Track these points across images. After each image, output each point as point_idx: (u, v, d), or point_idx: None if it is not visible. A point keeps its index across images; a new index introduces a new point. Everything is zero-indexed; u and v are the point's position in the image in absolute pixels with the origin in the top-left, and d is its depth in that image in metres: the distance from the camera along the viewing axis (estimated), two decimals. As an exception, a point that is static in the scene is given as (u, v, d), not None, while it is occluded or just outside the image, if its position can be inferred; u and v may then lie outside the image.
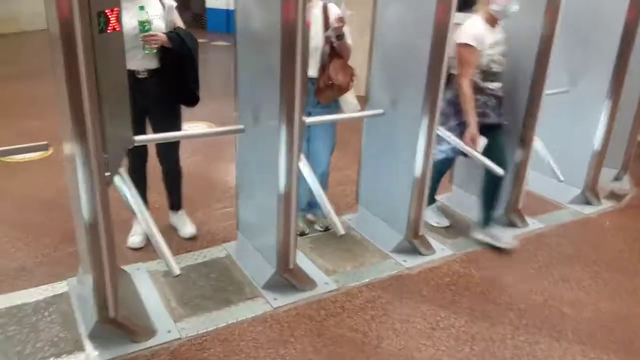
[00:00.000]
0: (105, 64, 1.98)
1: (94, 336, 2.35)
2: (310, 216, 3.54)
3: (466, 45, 2.99)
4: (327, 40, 2.98)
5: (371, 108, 3.17)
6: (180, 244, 3.21)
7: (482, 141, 3.09)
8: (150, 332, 2.42)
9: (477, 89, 3.08)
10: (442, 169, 3.46)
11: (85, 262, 2.34)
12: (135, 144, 2.43)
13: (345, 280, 2.95)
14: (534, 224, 3.70)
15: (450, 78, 3.06)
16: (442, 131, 3.02)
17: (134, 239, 3.13)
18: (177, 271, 2.19)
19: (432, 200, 3.59)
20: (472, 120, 3.04)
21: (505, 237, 3.35)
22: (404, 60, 2.92)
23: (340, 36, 2.96)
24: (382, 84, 3.13)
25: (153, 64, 2.84)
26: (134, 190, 2.26)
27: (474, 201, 3.51)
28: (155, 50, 2.79)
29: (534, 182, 3.94)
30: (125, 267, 2.83)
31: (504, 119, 3.26)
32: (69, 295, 2.66)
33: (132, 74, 2.73)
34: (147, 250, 3.10)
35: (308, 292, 2.81)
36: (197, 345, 2.39)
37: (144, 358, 2.29)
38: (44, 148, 2.24)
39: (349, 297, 2.80)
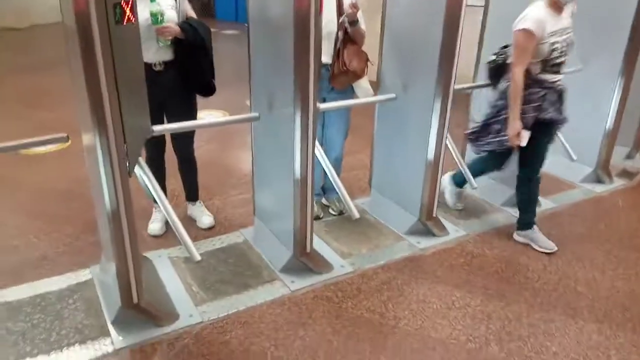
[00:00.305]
0: (122, 55, 2.01)
1: (118, 322, 2.42)
2: (324, 200, 3.58)
3: (524, 30, 2.77)
4: (341, 26, 2.98)
5: (383, 93, 3.18)
6: (198, 231, 3.27)
7: (525, 134, 2.91)
8: (173, 316, 2.49)
9: (536, 81, 2.88)
10: (493, 163, 3.29)
11: (107, 249, 2.40)
12: (154, 134, 2.47)
13: (361, 262, 2.99)
14: (546, 204, 3.72)
15: (506, 68, 2.98)
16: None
17: (154, 226, 3.20)
18: (197, 257, 2.25)
19: (462, 183, 3.51)
20: (516, 113, 2.85)
21: (544, 241, 3.17)
22: (416, 44, 2.92)
23: (354, 22, 2.95)
24: (393, 68, 3.13)
25: (168, 55, 2.86)
26: (153, 179, 2.31)
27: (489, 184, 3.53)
28: (169, 42, 2.81)
29: (547, 161, 3.93)
30: (147, 254, 2.89)
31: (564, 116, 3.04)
32: (92, 283, 2.73)
33: (147, 66, 2.75)
34: (167, 237, 3.17)
35: (325, 274, 2.87)
36: (219, 328, 2.45)
37: (168, 342, 2.36)
38: (64, 140, 2.28)
39: (365, 279, 2.85)
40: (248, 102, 2.86)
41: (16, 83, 6.72)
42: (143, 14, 2.68)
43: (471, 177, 3.19)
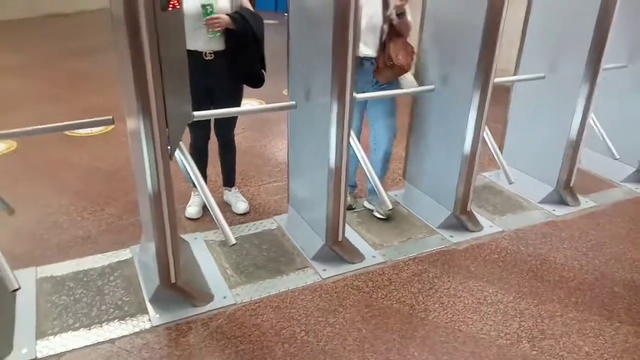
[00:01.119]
0: (166, 41, 2.07)
1: (155, 300, 2.51)
2: (366, 204, 3.50)
3: None
4: (387, 18, 2.95)
5: (421, 84, 3.16)
6: (233, 216, 3.35)
7: None
8: (208, 297, 2.57)
9: None
10: None
11: (147, 230, 2.49)
12: (195, 119, 2.53)
13: (392, 254, 3.00)
14: (586, 203, 3.63)
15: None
16: None
17: (192, 209, 3.29)
18: (233, 241, 2.31)
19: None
20: None
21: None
22: (456, 35, 2.89)
23: (401, 14, 2.92)
24: (432, 59, 3.11)
25: (218, 45, 2.87)
26: (192, 163, 2.38)
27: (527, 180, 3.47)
28: (218, 34, 2.83)
29: (587, 159, 3.84)
30: (184, 236, 2.98)
31: None
32: (132, 262, 2.84)
33: (198, 55, 2.83)
34: (203, 220, 3.26)
35: (356, 264, 2.89)
36: (251, 311, 2.52)
37: (202, 321, 2.44)
38: (110, 122, 2.37)
39: (396, 271, 2.86)
40: (285, 92, 2.90)
41: (64, 68, 6.98)
42: (194, 3, 2.72)
43: (509, 172, 3.13)
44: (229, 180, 3.47)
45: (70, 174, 3.89)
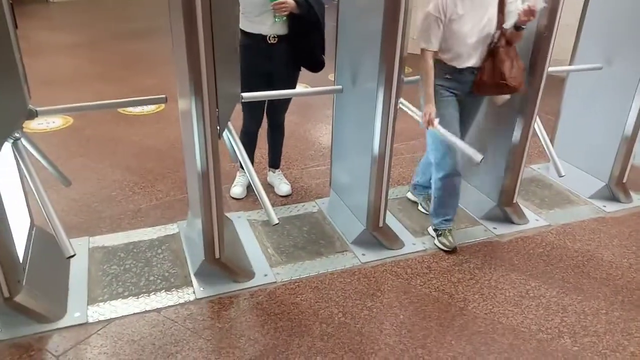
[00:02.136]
0: (220, 24, 2.12)
1: (200, 274, 2.61)
2: (410, 195, 3.42)
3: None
4: (500, 26, 2.56)
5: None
6: (276, 198, 3.41)
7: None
8: (250, 274, 2.64)
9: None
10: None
11: (194, 207, 2.58)
12: (244, 100, 2.59)
13: (433, 242, 2.99)
14: (639, 200, 3.48)
15: None
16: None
17: (236, 189, 3.37)
18: (275, 220, 2.36)
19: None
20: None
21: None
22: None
23: (520, 27, 2.53)
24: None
25: (282, 29, 2.91)
26: (240, 143, 2.44)
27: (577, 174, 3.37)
28: (284, 18, 2.86)
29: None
30: (228, 215, 3.07)
31: None
32: (179, 237, 2.95)
33: (262, 38, 2.89)
34: (246, 200, 3.34)
35: (395, 250, 2.90)
36: (291, 290, 2.57)
37: (244, 297, 2.52)
38: (163, 101, 2.46)
39: (435, 259, 2.85)
40: (330, 77, 2.91)
41: (118, 49, 7.22)
42: None
43: (560, 165, 3.03)
44: (274, 162, 3.52)
45: (123, 150, 4.06)
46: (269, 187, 3.51)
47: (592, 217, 3.29)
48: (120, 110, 4.73)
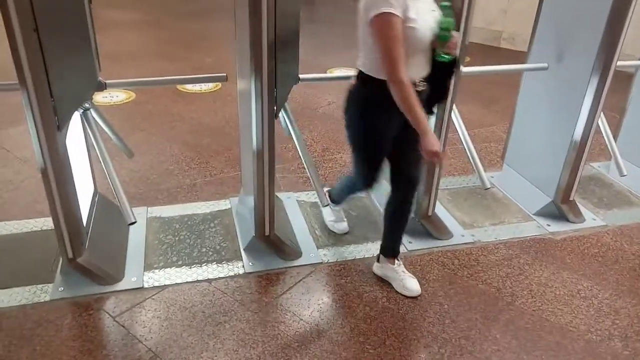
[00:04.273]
0: (283, 6, 2.15)
1: (249, 249, 2.69)
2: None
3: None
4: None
5: (534, 61, 3.00)
6: (324, 182, 3.44)
7: None
8: (297, 253, 2.70)
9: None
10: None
11: (247, 184, 2.66)
12: (301, 82, 2.61)
13: (482, 235, 2.95)
14: None
15: None
16: None
17: (341, 225, 2.93)
18: (325, 202, 2.40)
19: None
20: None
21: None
22: (579, 9, 2.69)
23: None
24: (549, 35, 2.92)
25: (426, 70, 2.14)
26: (295, 124, 2.48)
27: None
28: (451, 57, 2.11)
29: None
30: (279, 194, 3.13)
31: None
32: (231, 212, 3.04)
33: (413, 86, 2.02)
34: (297, 182, 3.40)
35: (443, 241, 2.88)
36: (336, 272, 2.61)
37: (290, 275, 2.58)
38: (223, 79, 2.52)
39: (484, 252, 2.81)
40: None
41: (177, 27, 7.42)
42: (429, 29, 2.01)
43: (622, 164, 2.92)
44: (394, 249, 2.58)
45: (181, 126, 4.19)
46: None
47: (654, 220, 3.15)
48: (179, 87, 4.88)
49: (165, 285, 2.47)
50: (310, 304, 2.39)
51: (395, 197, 2.46)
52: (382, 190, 3.19)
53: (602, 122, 2.87)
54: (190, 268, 2.59)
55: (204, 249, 2.73)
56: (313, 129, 3.51)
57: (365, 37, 2.01)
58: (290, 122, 2.50)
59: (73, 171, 2.20)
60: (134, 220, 2.14)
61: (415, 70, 2.05)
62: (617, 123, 3.56)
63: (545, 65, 2.90)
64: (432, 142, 2.03)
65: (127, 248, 2.69)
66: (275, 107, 2.29)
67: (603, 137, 2.98)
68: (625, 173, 2.90)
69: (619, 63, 2.68)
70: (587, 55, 2.66)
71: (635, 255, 2.82)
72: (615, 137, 3.41)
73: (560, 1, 2.82)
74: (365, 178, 2.41)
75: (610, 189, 3.48)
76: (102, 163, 2.18)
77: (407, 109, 1.98)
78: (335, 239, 2.86)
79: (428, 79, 2.14)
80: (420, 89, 2.09)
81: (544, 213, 3.11)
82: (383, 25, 1.90)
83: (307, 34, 6.92)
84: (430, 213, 2.86)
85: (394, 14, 1.88)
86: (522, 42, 3.09)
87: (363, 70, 2.12)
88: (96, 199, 2.76)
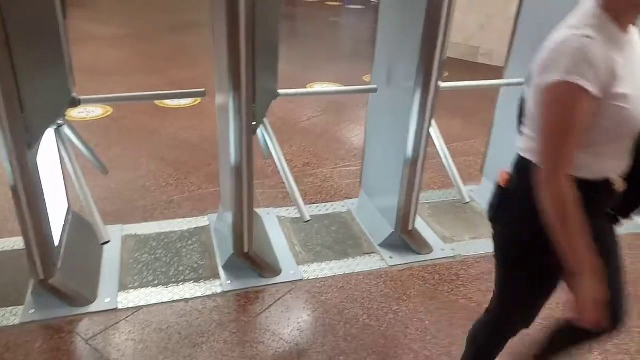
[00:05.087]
0: (261, 20, 2.13)
1: (228, 267, 2.64)
2: None
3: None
4: None
5: (510, 77, 3.05)
6: (304, 197, 3.42)
7: None
8: (277, 270, 2.66)
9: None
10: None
11: (226, 200, 2.61)
12: (279, 96, 2.59)
13: (463, 249, 2.95)
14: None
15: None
16: None
17: None
18: (307, 217, 2.37)
19: None
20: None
21: None
22: (555, 26, 2.74)
23: None
24: (526, 53, 2.97)
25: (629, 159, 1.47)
26: (274, 140, 2.46)
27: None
28: None
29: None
30: (258, 210, 3.09)
31: None
32: (209, 229, 2.99)
33: (605, 185, 1.44)
34: (276, 197, 3.36)
35: (424, 255, 2.87)
36: (317, 288, 2.58)
37: (270, 292, 2.54)
38: (202, 94, 2.50)
39: (464, 266, 2.81)
40: (365, 78, 2.89)
41: (158, 41, 7.37)
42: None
43: None
44: None
45: (159, 142, 4.14)
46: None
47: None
48: (158, 102, 4.82)
49: (140, 306, 2.40)
50: (290, 323, 2.35)
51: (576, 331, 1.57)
52: (364, 207, 3.19)
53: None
54: (167, 287, 2.53)
55: (181, 268, 2.67)
56: (293, 144, 3.50)
57: (535, 110, 1.37)
58: (270, 137, 2.47)
59: (45, 189, 2.14)
60: (107, 240, 2.09)
61: (614, 163, 1.43)
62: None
63: (522, 80, 2.94)
64: (589, 290, 1.32)
65: (101, 268, 2.62)
66: (254, 123, 2.27)
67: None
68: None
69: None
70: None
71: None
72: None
73: (536, 18, 2.87)
74: (525, 315, 1.75)
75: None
76: (75, 180, 2.12)
77: (559, 225, 1.32)
78: (316, 255, 2.83)
79: (629, 175, 1.48)
80: (618, 188, 1.46)
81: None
82: (560, 99, 1.27)
83: (287, 48, 6.95)
84: (410, 228, 2.86)
85: (583, 88, 1.22)
86: (499, 57, 3.14)
87: (529, 158, 1.45)
88: (69, 217, 2.69)
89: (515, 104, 3.04)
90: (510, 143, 3.14)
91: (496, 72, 3.15)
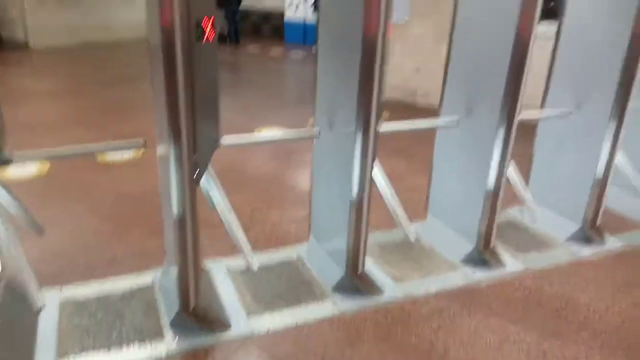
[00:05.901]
0: (199, 70, 2.14)
1: (174, 325, 2.53)
2: None
3: None
4: None
5: (445, 116, 3.18)
6: (253, 245, 3.36)
7: None
8: (226, 325, 2.57)
9: None
10: None
11: (170, 254, 2.54)
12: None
13: (412, 288, 2.97)
14: (613, 242, 3.54)
15: None
16: None
17: None
18: (255, 267, 2.33)
19: None
20: None
21: None
22: (482, 69, 2.91)
23: None
24: (458, 91, 3.12)
25: None
26: (220, 189, 2.43)
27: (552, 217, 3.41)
28: None
29: (615, 198, 3.76)
30: (206, 262, 3.01)
31: None
32: (154, 286, 2.87)
33: None
34: (223, 246, 3.28)
35: (375, 297, 2.87)
36: (269, 341, 2.51)
37: (220, 349, 2.44)
38: (141, 145, 2.44)
39: (415, 305, 2.83)
40: (311, 123, 2.94)
41: (98, 95, 7.24)
42: None
43: (534, 208, 3.06)
44: None
45: (100, 197, 4.00)
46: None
47: (568, 261, 3.32)
48: (98, 157, 4.69)
49: (80, 373, 2.25)
50: (242, 379, 2.27)
51: None
52: (314, 252, 3.17)
53: (512, 170, 3.05)
54: (109, 351, 2.39)
55: (124, 329, 2.54)
56: (243, 192, 3.47)
57: None
58: (215, 186, 2.44)
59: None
60: (41, 306, 1.96)
61: None
62: (527, 169, 3.81)
63: (455, 119, 3.08)
64: None
65: (37, 335, 2.45)
66: (196, 173, 2.24)
67: (514, 183, 3.15)
68: (535, 221, 3.04)
69: (522, 117, 2.89)
70: (492, 108, 2.85)
71: (556, 297, 2.94)
72: (526, 183, 3.64)
73: (464, 60, 3.04)
74: None
75: (526, 233, 3.65)
76: (4, 246, 2.00)
77: None
78: (267, 305, 2.76)
79: None
80: None
81: (469, 260, 3.20)
82: None
83: (232, 98, 7.01)
84: (360, 270, 2.86)
85: None
86: (436, 98, 3.31)
87: None
88: (1, 284, 2.52)
89: (452, 142, 3.16)
90: (450, 180, 3.27)
91: (435, 111, 3.30)
